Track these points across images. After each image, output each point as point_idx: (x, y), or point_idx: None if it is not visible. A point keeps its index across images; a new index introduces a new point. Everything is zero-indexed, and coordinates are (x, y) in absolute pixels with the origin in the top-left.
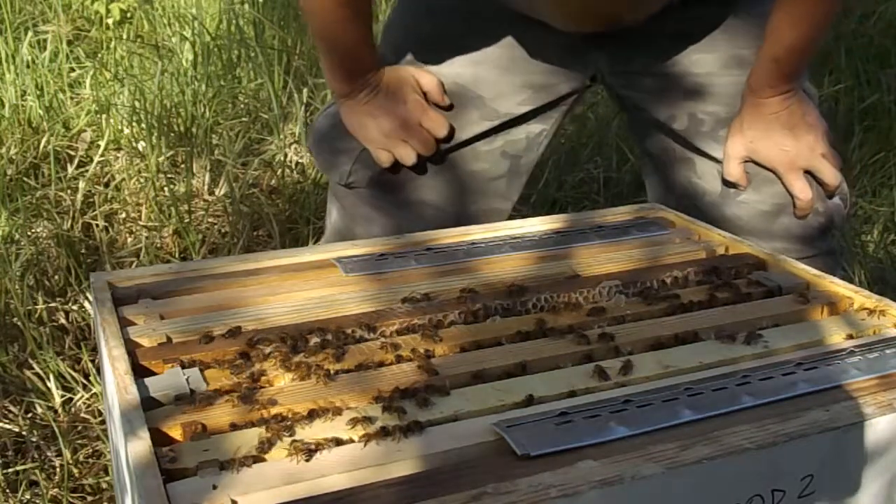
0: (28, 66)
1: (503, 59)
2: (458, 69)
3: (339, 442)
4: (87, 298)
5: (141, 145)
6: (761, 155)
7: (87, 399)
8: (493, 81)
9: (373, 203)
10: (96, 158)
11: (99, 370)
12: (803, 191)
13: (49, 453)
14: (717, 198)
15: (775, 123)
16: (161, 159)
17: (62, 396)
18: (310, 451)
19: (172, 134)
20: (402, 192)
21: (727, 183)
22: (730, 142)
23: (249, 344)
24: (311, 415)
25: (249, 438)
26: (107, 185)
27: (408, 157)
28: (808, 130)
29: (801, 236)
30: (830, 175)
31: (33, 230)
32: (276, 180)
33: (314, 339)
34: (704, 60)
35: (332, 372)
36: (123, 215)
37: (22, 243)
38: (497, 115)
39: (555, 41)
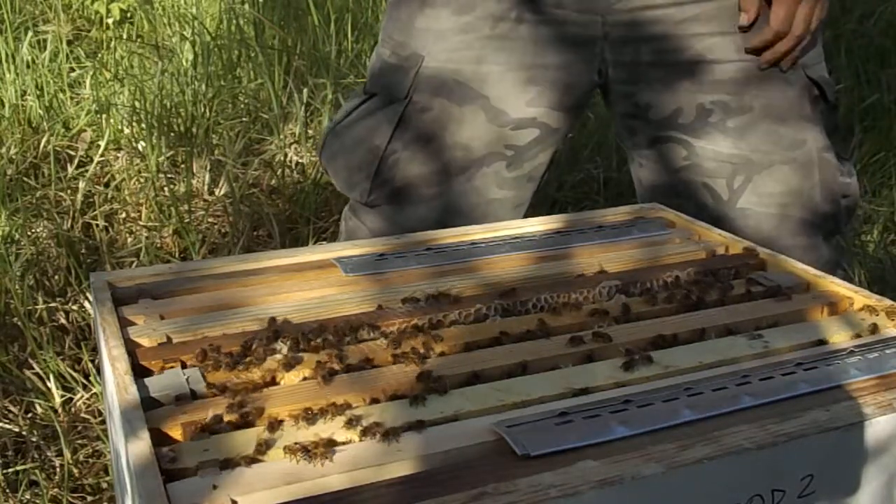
0: (28, 66)
1: (507, 55)
2: (460, 65)
3: (339, 442)
4: (87, 298)
5: (141, 145)
6: None
7: (87, 399)
8: (496, 78)
9: (393, 220)
10: (96, 158)
11: (99, 370)
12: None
13: (49, 453)
14: (719, 212)
15: None
16: (161, 159)
17: (62, 396)
18: (309, 451)
19: (172, 134)
20: (420, 212)
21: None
22: None
23: (248, 344)
24: (311, 415)
25: (249, 438)
26: (107, 185)
27: None
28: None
29: (807, 245)
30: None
31: (33, 230)
32: (276, 180)
33: (314, 339)
34: (718, 45)
35: (332, 372)
36: (123, 215)
37: (22, 243)
38: (505, 119)
39: (559, 34)
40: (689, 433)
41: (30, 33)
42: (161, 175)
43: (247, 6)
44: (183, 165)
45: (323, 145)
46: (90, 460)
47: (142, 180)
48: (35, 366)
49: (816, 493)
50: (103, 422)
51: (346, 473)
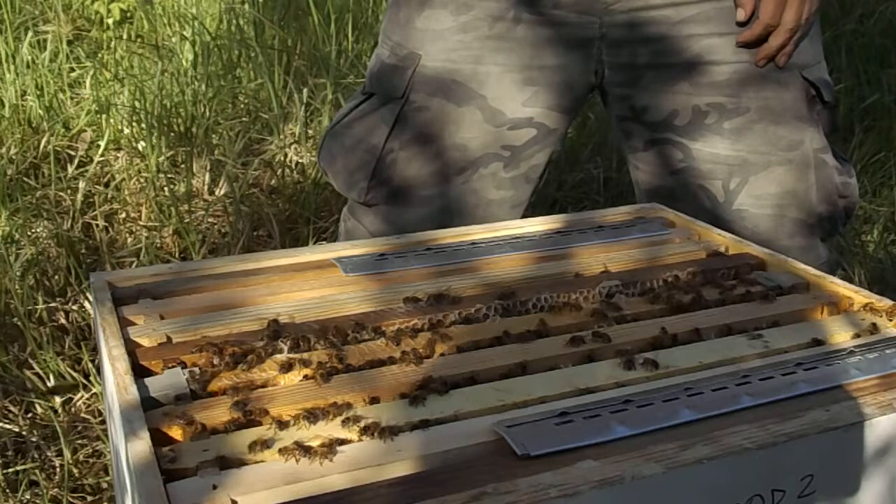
0: (28, 66)
1: (505, 56)
2: (458, 65)
3: (338, 442)
4: (87, 298)
5: (141, 145)
6: None
7: (87, 399)
8: (494, 78)
9: (391, 220)
10: (96, 158)
11: (99, 370)
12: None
13: (49, 453)
14: (716, 214)
15: None
16: (161, 159)
17: (62, 396)
18: (309, 450)
19: (172, 134)
20: (418, 213)
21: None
22: None
23: (248, 344)
24: (311, 415)
25: (249, 438)
26: (107, 185)
27: None
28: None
29: (804, 246)
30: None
31: (33, 230)
32: (276, 180)
33: (314, 339)
34: (715, 46)
35: (332, 372)
36: (123, 215)
37: (22, 243)
38: (502, 119)
39: (557, 35)
40: (689, 433)
41: (30, 33)
42: (161, 175)
43: (247, 6)
44: (183, 165)
45: (321, 146)
46: (90, 460)
47: (142, 180)
48: (35, 366)
49: (816, 493)
50: (103, 422)
51: (346, 473)
